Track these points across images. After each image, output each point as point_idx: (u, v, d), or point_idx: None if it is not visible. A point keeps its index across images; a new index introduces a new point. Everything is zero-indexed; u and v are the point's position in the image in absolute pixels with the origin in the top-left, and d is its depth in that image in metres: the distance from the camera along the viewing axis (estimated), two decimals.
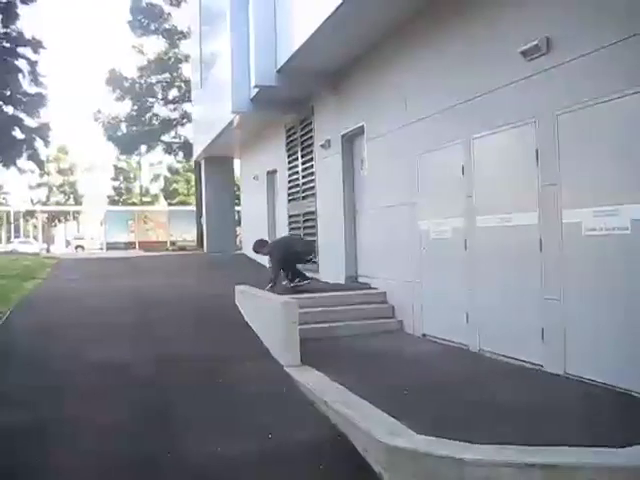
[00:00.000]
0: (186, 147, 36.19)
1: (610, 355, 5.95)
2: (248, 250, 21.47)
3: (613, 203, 5.84)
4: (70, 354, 8.16)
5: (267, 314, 8.68)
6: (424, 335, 9.15)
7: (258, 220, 19.18)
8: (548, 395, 5.94)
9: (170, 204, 57.54)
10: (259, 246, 11.90)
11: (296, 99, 13.87)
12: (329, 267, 13.11)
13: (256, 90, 12.86)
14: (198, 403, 6.48)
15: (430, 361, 7.69)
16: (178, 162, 54.03)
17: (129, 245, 40.30)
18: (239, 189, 25.67)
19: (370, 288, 10.86)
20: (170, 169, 59.83)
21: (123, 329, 9.48)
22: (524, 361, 6.99)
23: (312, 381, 6.85)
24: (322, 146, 12.90)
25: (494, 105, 7.47)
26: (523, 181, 7.00)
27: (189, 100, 30.51)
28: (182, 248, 30.95)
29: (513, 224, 7.13)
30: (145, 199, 60.94)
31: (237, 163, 24.81)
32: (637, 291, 5.65)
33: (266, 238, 13.65)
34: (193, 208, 37.59)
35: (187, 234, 39.09)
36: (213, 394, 6.75)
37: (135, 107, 36.49)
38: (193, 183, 52.89)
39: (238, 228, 27.08)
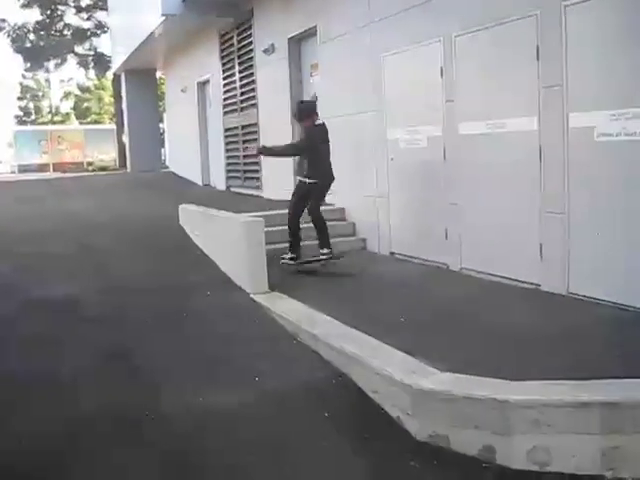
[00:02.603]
0: (101, 61, 33.96)
1: (622, 273, 5.42)
2: (176, 167, 20.46)
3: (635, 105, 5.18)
4: (5, 291, 7.14)
5: (224, 236, 7.84)
6: (392, 254, 8.52)
7: (187, 135, 18.06)
8: (561, 317, 5.36)
9: (82, 123, 54.88)
10: (308, 111, 7.88)
11: (233, 0, 12.66)
12: (273, 183, 12.26)
13: None
14: (164, 345, 5.62)
15: (412, 283, 7.03)
16: (89, 79, 51.35)
17: (43, 167, 38.00)
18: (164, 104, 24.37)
19: (326, 204, 10.09)
20: (81, 87, 56.88)
21: (63, 259, 8.46)
22: (517, 280, 6.43)
23: (289, 311, 6.12)
24: (265, 51, 11.85)
25: None
26: (519, 82, 6.26)
27: (104, 8, 28.27)
28: (102, 168, 29.20)
29: (506, 130, 6.43)
30: (56, 119, 57.91)
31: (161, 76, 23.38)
32: None
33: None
34: (111, 126, 35.62)
35: (105, 154, 37.19)
36: (178, 332, 5.92)
37: (44, 16, 33.73)
38: (106, 101, 50.30)
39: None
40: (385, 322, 5.46)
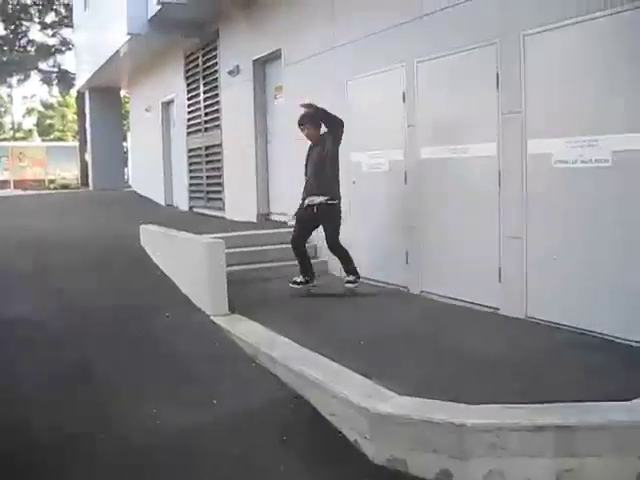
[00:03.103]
0: (65, 78, 33.63)
1: (578, 297, 5.50)
2: (139, 187, 20.30)
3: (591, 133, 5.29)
4: None
5: (185, 257, 7.78)
6: None
7: (150, 155, 17.96)
8: (518, 341, 5.42)
9: (44, 140, 54.24)
10: (309, 121, 7.49)
11: (200, 21, 12.74)
12: (236, 204, 12.25)
13: (157, 8, 11.57)
14: (121, 366, 5.53)
15: (372, 305, 7.05)
16: (53, 96, 50.86)
17: (3, 184, 37.39)
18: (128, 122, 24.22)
19: (288, 227, 10.09)
20: (44, 104, 56.30)
21: (18, 278, 8.27)
22: (477, 304, 6.47)
23: (248, 333, 6.07)
24: (230, 73, 11.87)
25: (445, 24, 6.72)
26: (479, 108, 6.35)
27: (70, 25, 28.07)
28: (64, 186, 28.90)
29: (467, 155, 6.50)
30: (18, 135, 57.17)
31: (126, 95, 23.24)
32: (613, 226, 5.18)
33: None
34: (73, 144, 35.24)
35: (67, 172, 36.74)
36: (136, 353, 5.83)
37: (7, 31, 33.35)
38: (69, 118, 49.79)
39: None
40: (344, 345, 5.44)
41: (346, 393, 4.27)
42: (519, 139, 5.89)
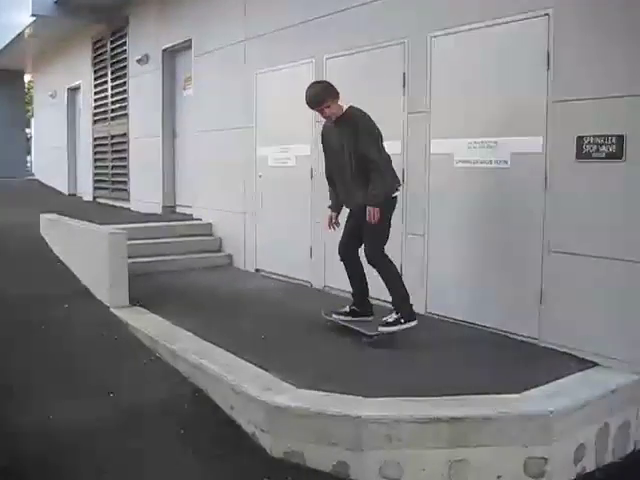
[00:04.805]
0: None
1: (470, 292, 5.68)
2: (42, 175, 19.64)
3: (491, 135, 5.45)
4: None
5: (86, 247, 7.58)
6: (257, 270, 8.51)
7: (55, 142, 17.41)
8: (417, 335, 5.47)
9: None
10: (328, 94, 5.30)
11: (109, 6, 12.43)
12: (142, 196, 12.02)
13: None
14: (16, 358, 5.38)
15: (275, 300, 7.03)
16: None
17: None
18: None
19: (193, 219, 9.99)
20: None
21: None
22: (382, 300, 6.52)
23: (149, 326, 5.97)
24: (138, 61, 11.62)
25: (355, 22, 6.78)
26: (386, 107, 6.42)
27: None
28: None
29: None
30: None
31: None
32: (509, 226, 5.36)
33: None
34: None
35: None
36: (31, 346, 5.67)
37: None
38: None
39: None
40: (245, 339, 5.43)
41: (245, 386, 4.25)
42: (423, 138, 6.01)
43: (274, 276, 8.13)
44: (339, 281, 6.99)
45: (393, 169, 5.26)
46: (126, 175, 12.77)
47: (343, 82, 6.85)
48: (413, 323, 5.11)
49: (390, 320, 5.12)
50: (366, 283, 5.54)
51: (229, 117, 9.04)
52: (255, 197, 8.47)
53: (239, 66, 8.69)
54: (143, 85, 11.79)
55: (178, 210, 11.02)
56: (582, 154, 4.75)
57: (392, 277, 5.21)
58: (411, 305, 5.18)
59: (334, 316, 5.66)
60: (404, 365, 4.74)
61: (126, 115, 12.70)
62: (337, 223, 5.63)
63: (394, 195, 5.22)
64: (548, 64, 4.96)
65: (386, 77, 6.40)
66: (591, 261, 4.73)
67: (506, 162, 5.33)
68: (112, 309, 6.59)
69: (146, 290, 7.17)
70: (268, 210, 8.26)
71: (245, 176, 8.65)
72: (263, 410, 4.02)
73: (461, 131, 5.68)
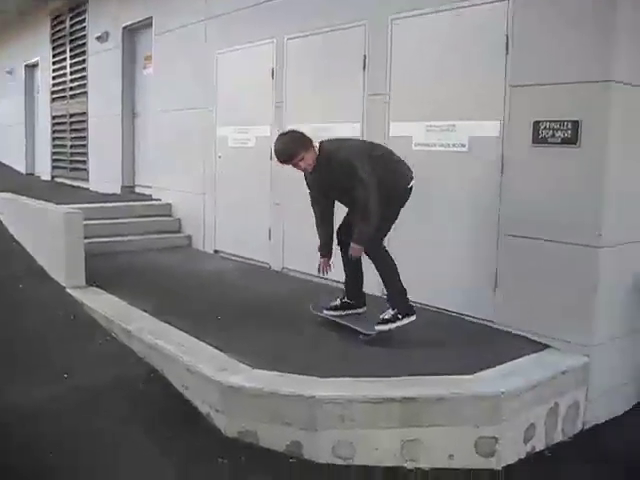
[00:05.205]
0: None
1: (432, 278, 5.69)
2: None
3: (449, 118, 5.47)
4: None
5: (42, 227, 7.46)
6: (216, 252, 8.47)
7: (11, 120, 17.03)
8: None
9: None
10: (299, 146, 4.69)
11: None
12: (100, 175, 11.86)
13: None
14: None
15: (233, 281, 7.00)
16: None
17: None
18: None
19: (152, 199, 9.89)
20: None
21: None
22: (336, 281, 6.55)
23: (105, 306, 5.91)
24: (98, 39, 11.41)
25: (316, 2, 6.74)
26: (346, 88, 6.41)
27: None
28: None
29: (331, 134, 6.53)
30: None
31: None
32: (466, 209, 5.40)
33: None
34: None
35: None
36: None
37: None
38: None
39: None
40: (201, 319, 5.40)
41: (200, 367, 4.24)
42: (382, 121, 6.01)
43: (233, 257, 8.09)
44: (298, 263, 7.03)
45: (403, 161, 4.92)
46: (85, 154, 12.57)
47: (304, 63, 6.90)
48: (412, 318, 4.86)
49: (387, 317, 4.85)
50: (362, 272, 5.22)
51: (189, 97, 8.94)
52: (215, 178, 8.41)
53: (200, 45, 8.59)
54: (103, 63, 11.59)
55: (137, 190, 10.90)
56: (538, 139, 4.79)
57: (388, 269, 4.90)
58: (408, 299, 4.91)
59: (325, 312, 5.33)
60: (357, 347, 4.76)
61: (85, 93, 12.47)
62: (329, 267, 5.14)
63: (410, 185, 4.85)
64: (507, 49, 4.98)
65: (347, 59, 6.38)
66: (545, 245, 4.79)
67: (464, 145, 5.35)
68: (68, 289, 6.51)
69: (103, 270, 7.09)
70: (227, 191, 8.21)
71: (205, 156, 8.58)
72: (218, 390, 4.02)
73: (420, 114, 5.68)
